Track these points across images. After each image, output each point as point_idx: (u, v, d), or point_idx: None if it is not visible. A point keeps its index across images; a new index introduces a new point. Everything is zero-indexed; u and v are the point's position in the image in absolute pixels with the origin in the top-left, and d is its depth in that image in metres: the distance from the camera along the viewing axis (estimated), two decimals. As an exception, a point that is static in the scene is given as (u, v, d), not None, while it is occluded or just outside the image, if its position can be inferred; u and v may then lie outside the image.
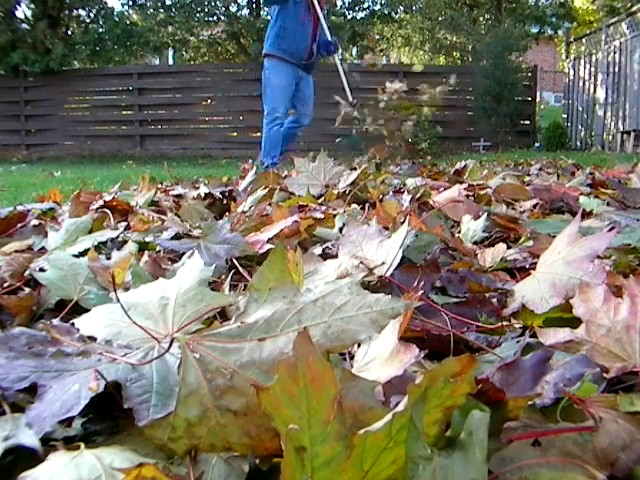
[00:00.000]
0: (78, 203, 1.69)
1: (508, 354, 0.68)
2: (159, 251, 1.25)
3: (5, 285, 1.00)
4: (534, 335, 0.71)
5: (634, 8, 9.22)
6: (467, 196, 1.84)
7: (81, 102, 11.84)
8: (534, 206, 1.82)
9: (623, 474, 0.47)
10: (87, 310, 0.76)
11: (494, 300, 0.90)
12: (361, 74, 11.34)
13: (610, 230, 0.97)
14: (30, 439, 0.48)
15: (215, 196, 2.01)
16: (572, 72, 11.20)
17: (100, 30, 12.86)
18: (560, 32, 14.95)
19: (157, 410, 0.50)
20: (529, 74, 11.02)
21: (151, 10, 13.24)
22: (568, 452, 0.48)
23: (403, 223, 1.06)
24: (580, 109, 10.82)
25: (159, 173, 4.07)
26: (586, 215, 1.58)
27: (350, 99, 6.03)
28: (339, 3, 13.28)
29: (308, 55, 5.20)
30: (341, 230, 1.34)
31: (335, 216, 1.51)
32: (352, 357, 0.67)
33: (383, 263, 0.97)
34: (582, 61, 10.73)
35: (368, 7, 13.58)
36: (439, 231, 1.29)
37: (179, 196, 2.26)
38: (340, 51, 5.91)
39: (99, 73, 11.99)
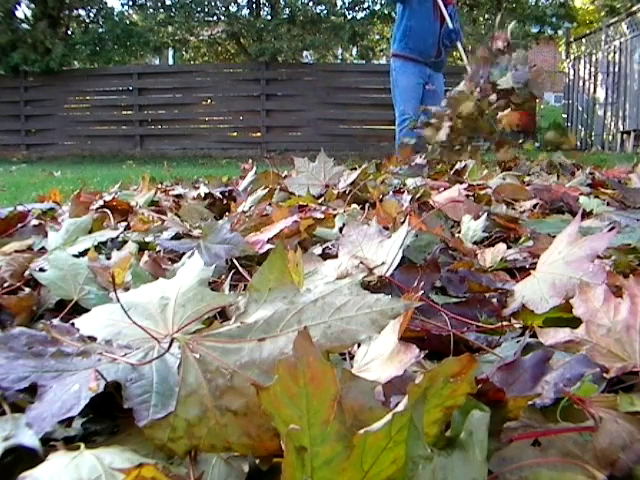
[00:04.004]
0: (78, 203, 1.69)
1: (508, 354, 0.68)
2: (159, 251, 1.25)
3: (5, 285, 1.00)
4: (534, 335, 0.71)
5: (634, 8, 9.20)
6: (467, 196, 1.84)
7: (81, 102, 11.81)
8: (534, 206, 1.82)
9: (623, 474, 0.47)
10: (87, 310, 0.76)
11: (494, 300, 0.90)
12: (361, 74, 11.35)
13: (610, 230, 0.97)
14: (30, 439, 0.48)
15: (215, 196, 2.01)
16: (572, 72, 11.20)
17: (100, 30, 12.82)
18: (560, 32, 14.91)
19: (157, 410, 0.50)
20: (529, 74, 11.01)
21: (151, 10, 13.20)
22: (568, 452, 0.48)
23: (403, 223, 1.06)
24: (580, 109, 10.80)
25: (159, 173, 4.06)
26: (586, 215, 1.58)
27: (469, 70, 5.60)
28: (339, 3, 13.24)
29: (436, 53, 5.21)
30: (341, 230, 1.34)
31: (335, 216, 1.51)
32: (352, 357, 0.67)
33: (383, 263, 0.97)
34: (582, 61, 10.73)
35: (368, 7, 13.53)
36: (439, 231, 1.29)
37: (179, 196, 2.26)
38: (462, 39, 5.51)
39: (99, 73, 11.97)
